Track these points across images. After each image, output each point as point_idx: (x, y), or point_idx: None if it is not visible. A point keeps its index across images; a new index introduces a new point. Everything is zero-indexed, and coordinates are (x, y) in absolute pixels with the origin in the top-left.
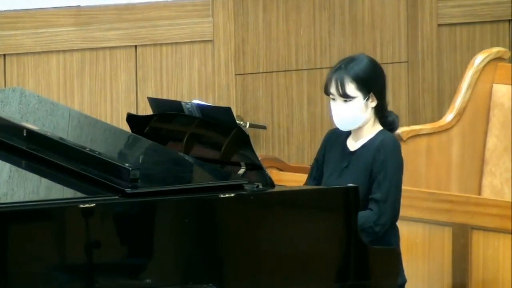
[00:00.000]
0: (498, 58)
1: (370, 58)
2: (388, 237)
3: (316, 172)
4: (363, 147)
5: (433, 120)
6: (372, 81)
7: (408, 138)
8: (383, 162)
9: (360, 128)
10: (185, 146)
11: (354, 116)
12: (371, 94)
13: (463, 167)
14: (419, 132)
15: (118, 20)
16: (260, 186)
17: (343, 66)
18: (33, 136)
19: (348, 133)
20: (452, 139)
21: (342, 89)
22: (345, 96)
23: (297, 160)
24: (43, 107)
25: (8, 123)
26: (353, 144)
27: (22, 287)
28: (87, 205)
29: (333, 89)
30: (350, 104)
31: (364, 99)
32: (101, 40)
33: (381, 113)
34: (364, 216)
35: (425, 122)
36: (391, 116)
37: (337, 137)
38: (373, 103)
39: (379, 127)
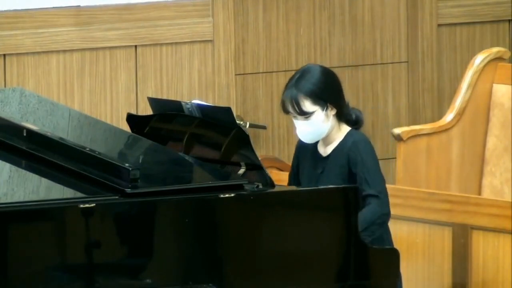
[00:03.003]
0: (498, 58)
1: (320, 68)
2: (380, 233)
3: (294, 181)
4: (335, 150)
5: (433, 120)
6: (326, 92)
7: (408, 138)
8: (362, 160)
9: (327, 135)
10: (185, 146)
11: (317, 129)
12: (328, 104)
13: (463, 167)
14: (419, 132)
15: (118, 20)
16: (260, 186)
17: (294, 83)
18: (33, 136)
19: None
20: (452, 139)
21: (298, 108)
22: (303, 114)
23: None
24: (43, 107)
25: (8, 123)
26: (324, 150)
27: (22, 287)
28: (87, 205)
29: (290, 109)
30: (311, 119)
31: (323, 110)
32: (101, 40)
33: (343, 116)
34: (369, 211)
35: (425, 122)
36: (354, 114)
37: (307, 145)
38: (333, 111)
39: (346, 129)
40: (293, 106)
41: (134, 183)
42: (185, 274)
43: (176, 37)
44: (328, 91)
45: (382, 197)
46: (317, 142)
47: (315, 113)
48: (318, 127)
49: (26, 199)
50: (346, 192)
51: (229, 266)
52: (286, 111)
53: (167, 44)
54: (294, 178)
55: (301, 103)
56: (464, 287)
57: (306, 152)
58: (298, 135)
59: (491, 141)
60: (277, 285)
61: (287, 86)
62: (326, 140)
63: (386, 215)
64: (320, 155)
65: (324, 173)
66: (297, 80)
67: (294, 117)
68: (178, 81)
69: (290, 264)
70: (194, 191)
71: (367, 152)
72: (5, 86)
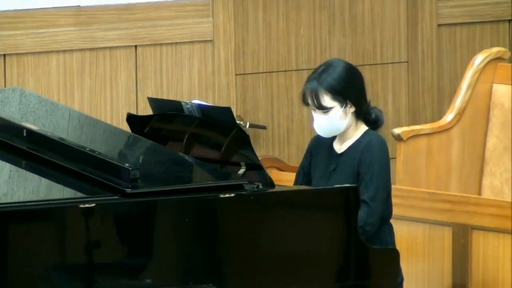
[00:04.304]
0: (498, 58)
1: (345, 64)
2: (383, 235)
3: (303, 179)
4: (350, 148)
5: (433, 120)
6: (347, 89)
7: (408, 138)
8: (369, 163)
9: (344, 132)
10: (185, 146)
11: (334, 125)
12: (348, 101)
13: (463, 167)
14: (419, 132)
15: (118, 20)
16: (260, 186)
17: (317, 77)
18: (33, 136)
19: (333, 137)
20: (452, 139)
21: (317, 101)
22: (322, 108)
23: (297, 160)
24: (43, 107)
25: (8, 123)
26: (339, 147)
27: (22, 287)
28: (87, 205)
29: (310, 101)
30: (329, 114)
31: (342, 107)
32: (101, 40)
33: (362, 115)
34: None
35: (425, 122)
36: (374, 113)
37: (322, 141)
38: (351, 109)
39: (363, 128)
40: (312, 99)
41: (134, 183)
42: (185, 274)
43: (176, 37)
44: (349, 88)
45: (373, 206)
46: (333, 139)
47: (334, 108)
48: (335, 123)
49: (26, 199)
50: (347, 192)
51: (229, 266)
52: (306, 103)
53: (167, 44)
54: (304, 176)
55: (321, 97)
56: (464, 287)
57: (321, 149)
58: (315, 128)
59: (491, 141)
60: (277, 285)
61: (309, 78)
62: (343, 137)
63: (371, 225)
64: (335, 151)
65: (337, 170)
66: (320, 73)
67: (313, 109)
68: (178, 81)
69: (290, 264)
70: (194, 191)
71: (378, 155)
72: (5, 86)
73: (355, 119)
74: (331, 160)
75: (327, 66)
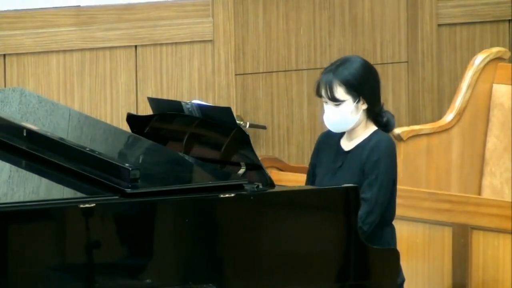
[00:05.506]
0: (498, 58)
1: (363, 61)
2: (385, 237)
3: (313, 176)
4: (357, 147)
5: (433, 120)
6: (361, 85)
7: (408, 138)
8: (375, 162)
9: (352, 129)
10: (185, 146)
11: (344, 119)
12: (361, 97)
13: (463, 167)
14: (419, 132)
15: (118, 20)
16: (260, 186)
17: (333, 69)
18: (33, 136)
19: (341, 134)
20: (452, 139)
21: (331, 93)
22: (334, 100)
23: (297, 160)
24: (43, 107)
25: (8, 123)
26: (347, 144)
27: (22, 287)
28: (87, 205)
29: (323, 92)
30: (340, 107)
31: (354, 102)
32: (101, 40)
33: (374, 115)
34: None
35: (425, 122)
36: (386, 116)
37: (330, 138)
38: (364, 106)
39: (373, 128)
40: (326, 91)
41: (134, 183)
42: (185, 274)
43: (176, 37)
44: (363, 84)
45: (373, 205)
46: (340, 136)
47: (346, 102)
48: (346, 117)
49: (26, 199)
50: (347, 192)
51: (229, 266)
52: (319, 94)
53: (167, 44)
54: (313, 174)
55: (335, 89)
56: (464, 287)
57: (328, 145)
58: (325, 121)
59: (491, 141)
60: (277, 285)
61: (325, 70)
62: (351, 135)
63: (369, 224)
64: (342, 149)
65: (342, 167)
66: (337, 66)
67: (325, 102)
68: (178, 81)
69: (290, 264)
70: (194, 191)
71: (385, 155)
72: (5, 86)
73: (365, 118)
74: (338, 157)
75: (345, 60)
